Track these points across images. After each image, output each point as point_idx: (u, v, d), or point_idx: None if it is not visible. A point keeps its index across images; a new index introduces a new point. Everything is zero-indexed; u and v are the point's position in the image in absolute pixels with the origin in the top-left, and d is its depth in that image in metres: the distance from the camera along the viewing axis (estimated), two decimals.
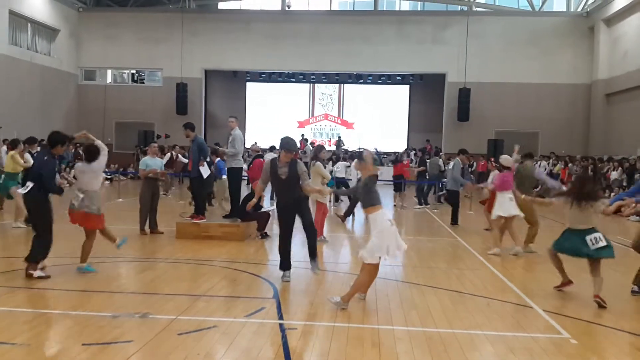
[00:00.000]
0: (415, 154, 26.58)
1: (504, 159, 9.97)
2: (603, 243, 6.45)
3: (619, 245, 9.09)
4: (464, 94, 27.55)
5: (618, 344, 5.29)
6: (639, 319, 6.19)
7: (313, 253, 7.24)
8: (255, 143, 27.87)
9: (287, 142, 7.10)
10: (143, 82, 30.68)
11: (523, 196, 8.29)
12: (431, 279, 7.62)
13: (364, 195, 6.05)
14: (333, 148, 27.35)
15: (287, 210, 7.21)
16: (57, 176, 8.64)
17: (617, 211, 7.70)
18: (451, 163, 13.32)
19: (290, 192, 7.11)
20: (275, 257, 9.21)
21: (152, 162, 10.85)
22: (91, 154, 7.32)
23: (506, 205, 9.41)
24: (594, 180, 6.86)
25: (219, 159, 13.07)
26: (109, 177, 22.87)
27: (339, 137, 29.67)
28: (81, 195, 7.18)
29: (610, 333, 5.59)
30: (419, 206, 17.11)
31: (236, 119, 10.91)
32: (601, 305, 6.33)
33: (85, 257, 7.31)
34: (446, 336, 5.27)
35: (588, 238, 6.47)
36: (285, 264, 7.31)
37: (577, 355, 4.95)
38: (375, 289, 6.98)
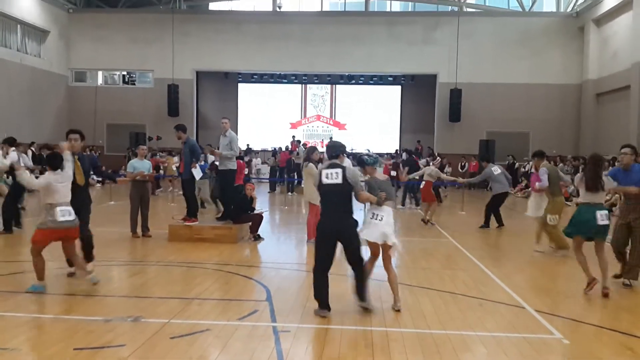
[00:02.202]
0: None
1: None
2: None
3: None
4: (455, 95, 27.64)
5: (609, 343, 5.33)
6: (630, 318, 6.23)
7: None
8: (248, 145, 27.98)
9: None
10: (134, 84, 30.55)
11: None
12: (424, 280, 7.63)
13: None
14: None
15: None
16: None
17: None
18: (496, 168, 13.24)
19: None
20: (267, 259, 9.22)
21: (140, 165, 10.80)
22: (58, 160, 6.68)
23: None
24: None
25: None
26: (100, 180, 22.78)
27: (331, 138, 29.66)
28: (68, 209, 6.60)
29: (602, 332, 5.63)
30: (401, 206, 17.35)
31: (229, 120, 10.95)
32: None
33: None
34: (439, 337, 5.29)
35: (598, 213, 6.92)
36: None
37: (569, 354, 4.98)
38: (368, 290, 6.99)
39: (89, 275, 6.82)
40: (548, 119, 27.64)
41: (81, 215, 6.97)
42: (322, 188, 5.95)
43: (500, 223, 13.08)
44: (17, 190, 11.15)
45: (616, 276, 7.57)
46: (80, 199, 7.04)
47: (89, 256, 7.32)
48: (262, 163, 27.63)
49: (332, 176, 5.90)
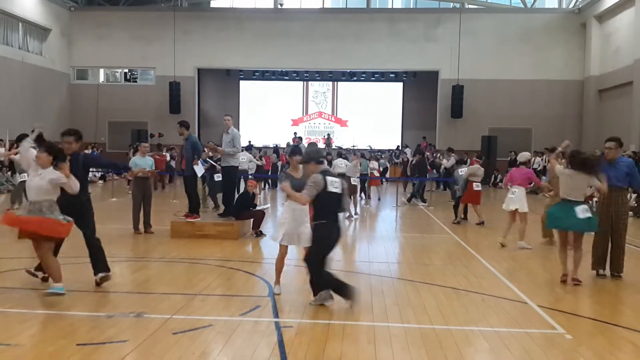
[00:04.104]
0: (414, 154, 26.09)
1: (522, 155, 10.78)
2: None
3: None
4: (457, 91, 27.58)
5: (612, 339, 5.32)
6: (632, 313, 6.22)
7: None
8: (250, 142, 27.94)
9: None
10: (136, 81, 30.53)
11: None
12: (426, 275, 7.63)
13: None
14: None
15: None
16: None
17: None
18: (452, 160, 13.30)
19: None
20: (270, 255, 9.21)
21: (142, 162, 10.83)
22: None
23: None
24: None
25: None
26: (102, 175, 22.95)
27: (328, 134, 29.66)
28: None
29: (605, 328, 5.62)
30: (423, 204, 17.18)
31: (232, 117, 10.97)
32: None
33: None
34: (441, 332, 5.29)
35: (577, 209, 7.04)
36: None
37: (571, 350, 4.97)
38: (370, 286, 7.00)
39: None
40: (550, 115, 27.58)
41: (82, 223, 6.57)
42: (327, 196, 5.86)
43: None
44: None
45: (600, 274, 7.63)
46: (73, 205, 6.36)
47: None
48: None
49: (335, 185, 5.96)
